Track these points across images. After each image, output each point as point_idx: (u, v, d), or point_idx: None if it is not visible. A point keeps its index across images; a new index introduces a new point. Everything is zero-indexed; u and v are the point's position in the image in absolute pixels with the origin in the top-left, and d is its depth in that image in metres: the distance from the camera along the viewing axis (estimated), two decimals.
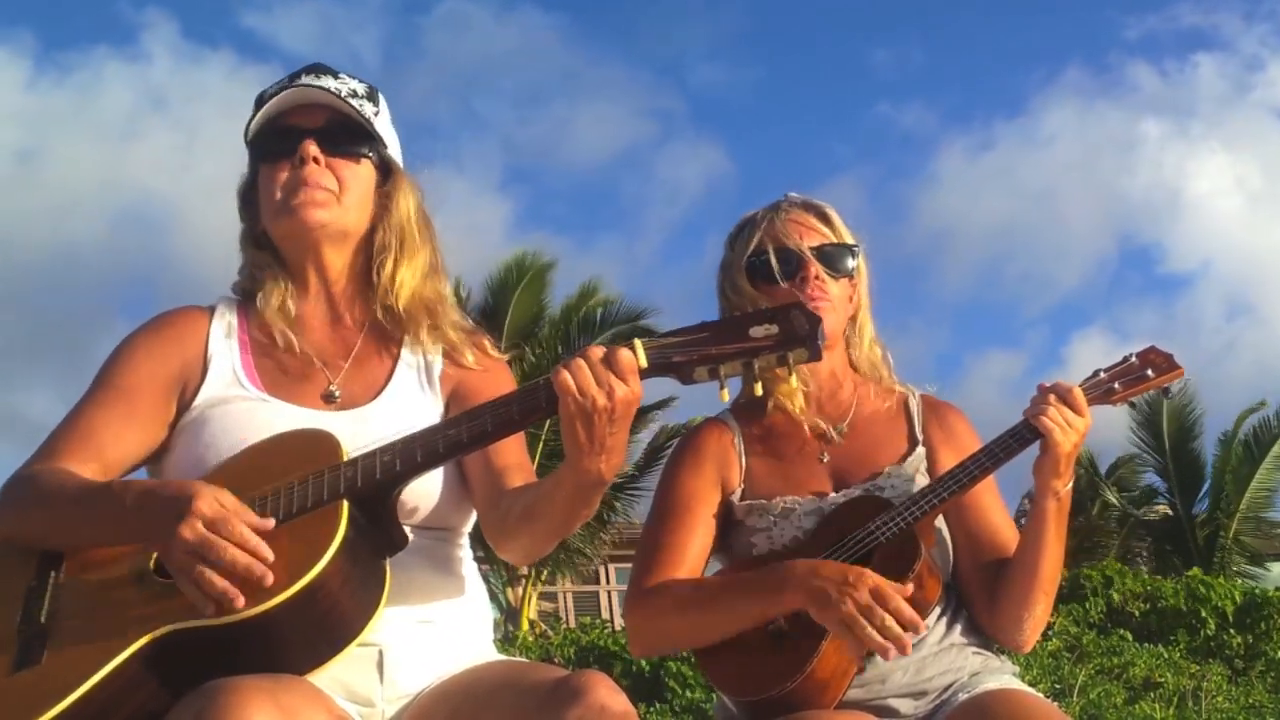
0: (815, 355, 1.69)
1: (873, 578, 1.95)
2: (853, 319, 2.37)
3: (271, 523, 1.62)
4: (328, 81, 2.02)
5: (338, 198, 1.99)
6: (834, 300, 2.28)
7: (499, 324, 18.57)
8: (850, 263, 2.32)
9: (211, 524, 1.57)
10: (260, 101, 2.03)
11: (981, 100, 47.95)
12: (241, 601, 1.54)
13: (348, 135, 2.03)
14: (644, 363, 1.68)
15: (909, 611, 1.93)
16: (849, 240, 2.34)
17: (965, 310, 42.81)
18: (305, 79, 2.02)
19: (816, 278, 2.26)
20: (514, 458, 1.92)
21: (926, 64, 46.80)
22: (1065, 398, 2.11)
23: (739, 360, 1.68)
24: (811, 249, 2.28)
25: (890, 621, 1.91)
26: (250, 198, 2.07)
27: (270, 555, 1.58)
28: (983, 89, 48.04)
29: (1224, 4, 46.01)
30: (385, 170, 2.08)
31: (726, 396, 1.73)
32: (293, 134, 2.00)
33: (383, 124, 2.07)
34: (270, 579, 1.56)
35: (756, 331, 1.68)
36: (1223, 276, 44.50)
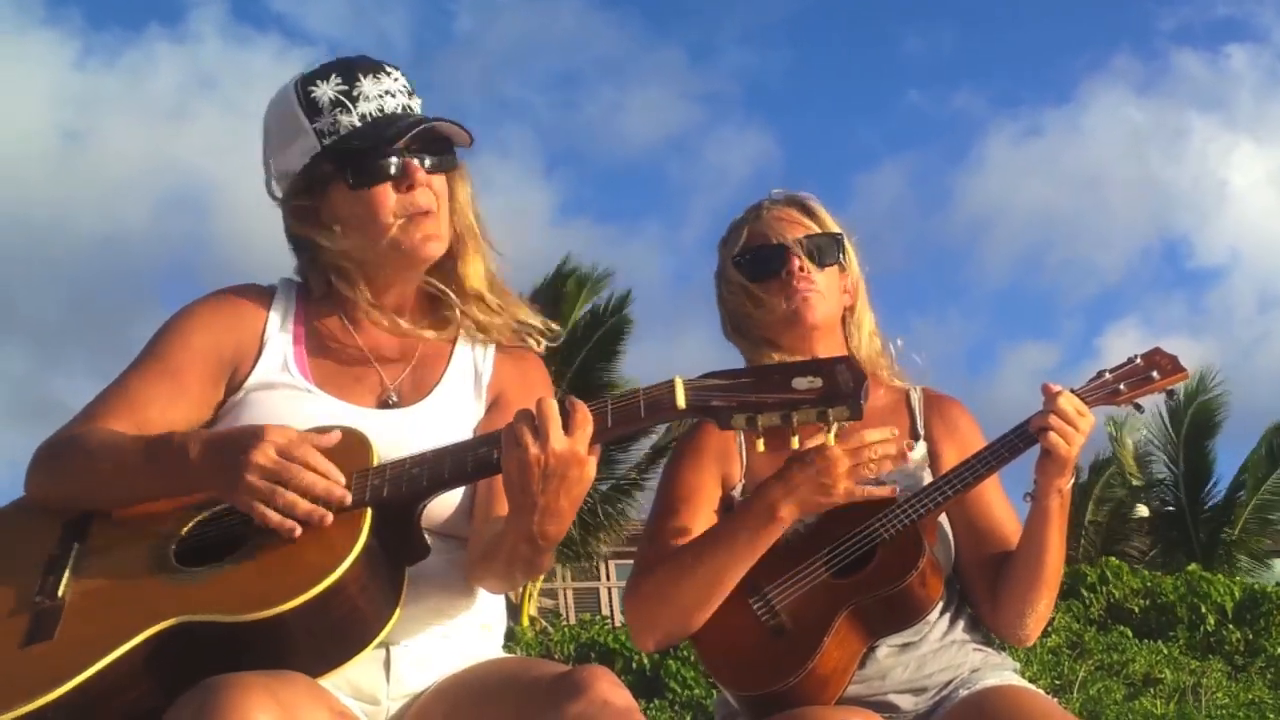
0: (856, 414, 1.62)
1: (824, 449, 2.00)
2: (850, 310, 2.38)
3: (337, 436, 1.63)
4: (413, 99, 1.90)
5: (438, 216, 1.88)
6: (821, 289, 2.30)
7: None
8: (836, 251, 2.33)
9: (284, 450, 1.58)
10: (316, 106, 1.84)
11: (1029, 86, 47.67)
12: (330, 518, 1.55)
13: (439, 143, 1.89)
14: (683, 403, 1.61)
15: (876, 435, 2.03)
16: (833, 229, 2.36)
17: (1004, 299, 42.48)
18: (392, 96, 1.86)
19: (800, 269, 2.28)
20: None
21: (959, 50, 46.52)
22: (1069, 399, 2.11)
23: (778, 411, 1.61)
24: (795, 241, 2.29)
25: (879, 451, 2.03)
26: (313, 193, 1.89)
27: (340, 476, 1.59)
28: (1027, 75, 47.66)
29: None
30: None
31: (763, 446, 1.64)
32: (389, 149, 1.84)
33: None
34: (348, 499, 1.57)
35: (800, 383, 1.62)
36: (1254, 268, 44.36)
